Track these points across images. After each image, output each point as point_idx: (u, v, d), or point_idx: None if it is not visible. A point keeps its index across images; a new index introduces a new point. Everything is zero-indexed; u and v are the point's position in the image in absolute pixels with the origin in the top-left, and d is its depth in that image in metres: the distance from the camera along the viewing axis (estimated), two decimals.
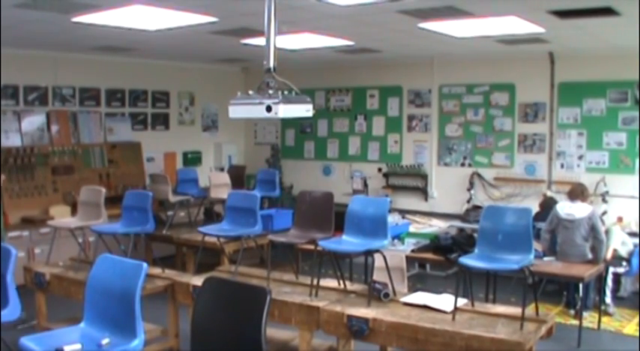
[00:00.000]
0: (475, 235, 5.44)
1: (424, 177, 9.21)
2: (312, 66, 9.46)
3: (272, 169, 9.47)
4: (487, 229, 4.34)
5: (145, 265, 3.02)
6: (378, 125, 9.71)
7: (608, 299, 6.65)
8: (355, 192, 9.06)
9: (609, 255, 6.74)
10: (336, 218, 4.86)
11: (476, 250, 4.33)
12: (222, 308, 3.07)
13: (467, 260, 4.18)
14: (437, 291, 4.78)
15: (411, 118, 9.42)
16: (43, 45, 7.55)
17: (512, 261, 4.09)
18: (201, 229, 5.47)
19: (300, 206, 5.16)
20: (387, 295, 4.44)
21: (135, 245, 5.65)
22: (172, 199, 7.78)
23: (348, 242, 4.71)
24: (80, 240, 6.19)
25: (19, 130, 8.03)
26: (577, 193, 6.47)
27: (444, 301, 4.31)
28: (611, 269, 6.71)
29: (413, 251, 6.62)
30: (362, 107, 9.86)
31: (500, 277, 6.07)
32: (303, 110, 3.60)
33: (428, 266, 8.21)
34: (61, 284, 5.42)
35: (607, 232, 6.89)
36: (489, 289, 6.14)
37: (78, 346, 2.89)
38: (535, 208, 7.09)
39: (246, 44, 7.17)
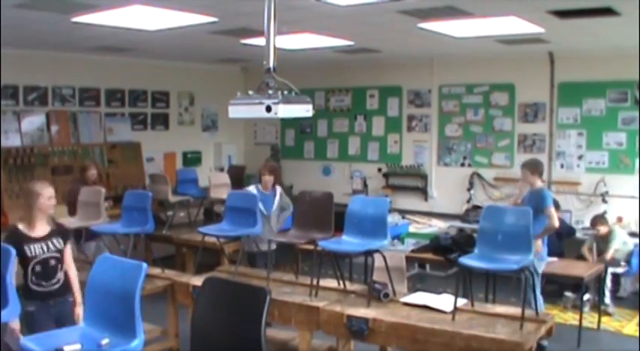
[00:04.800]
0: (475, 235, 5.44)
1: (424, 177, 9.21)
2: (312, 66, 9.46)
3: None
4: (487, 230, 4.34)
5: (144, 265, 3.01)
6: (378, 125, 9.71)
7: (607, 299, 6.65)
8: (355, 192, 9.07)
9: (609, 255, 6.75)
10: (335, 218, 4.85)
11: (476, 250, 4.33)
12: (222, 308, 3.07)
13: (467, 260, 4.18)
14: (437, 291, 4.78)
15: (410, 118, 9.41)
16: (43, 45, 7.54)
17: (512, 261, 4.09)
18: (201, 229, 5.47)
19: (300, 206, 5.16)
20: (386, 295, 4.44)
21: (135, 245, 5.64)
22: (172, 199, 7.78)
23: (347, 242, 4.71)
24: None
25: (19, 130, 8.02)
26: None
27: (444, 301, 4.31)
28: (610, 270, 6.72)
29: (413, 251, 6.62)
30: (362, 107, 9.86)
31: (500, 277, 6.07)
32: (303, 110, 3.60)
33: (428, 266, 8.21)
34: None
35: (610, 232, 6.90)
36: (489, 289, 6.13)
37: (78, 346, 2.89)
38: None
39: (246, 44, 7.16)
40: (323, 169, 10.25)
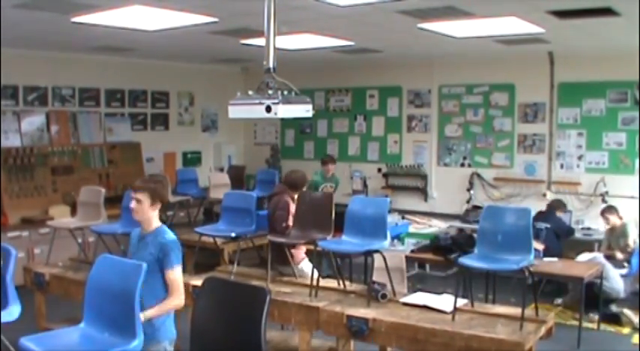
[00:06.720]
0: (475, 235, 5.44)
1: (424, 177, 9.21)
2: (312, 66, 9.45)
3: (272, 170, 9.48)
4: (487, 230, 4.34)
5: (144, 265, 3.01)
6: (378, 125, 9.71)
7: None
8: (355, 192, 9.06)
9: (631, 245, 6.73)
10: (335, 218, 4.85)
11: (475, 251, 4.33)
12: (222, 308, 3.07)
13: (467, 260, 4.17)
14: (437, 291, 4.77)
15: (410, 118, 9.42)
16: (43, 45, 7.54)
17: (512, 261, 4.09)
18: (197, 229, 5.47)
19: (300, 206, 5.16)
20: (384, 295, 4.43)
21: None
22: (172, 199, 7.77)
23: (347, 242, 4.71)
24: (80, 240, 6.19)
25: (19, 130, 8.02)
26: None
27: (444, 301, 4.31)
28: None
29: (413, 251, 6.62)
30: (361, 107, 9.86)
31: (500, 277, 6.07)
32: (303, 110, 3.60)
33: (428, 266, 8.20)
34: (61, 284, 5.42)
35: (623, 225, 6.86)
36: (489, 290, 6.14)
37: None
38: (537, 209, 7.05)
39: (246, 44, 7.16)
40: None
